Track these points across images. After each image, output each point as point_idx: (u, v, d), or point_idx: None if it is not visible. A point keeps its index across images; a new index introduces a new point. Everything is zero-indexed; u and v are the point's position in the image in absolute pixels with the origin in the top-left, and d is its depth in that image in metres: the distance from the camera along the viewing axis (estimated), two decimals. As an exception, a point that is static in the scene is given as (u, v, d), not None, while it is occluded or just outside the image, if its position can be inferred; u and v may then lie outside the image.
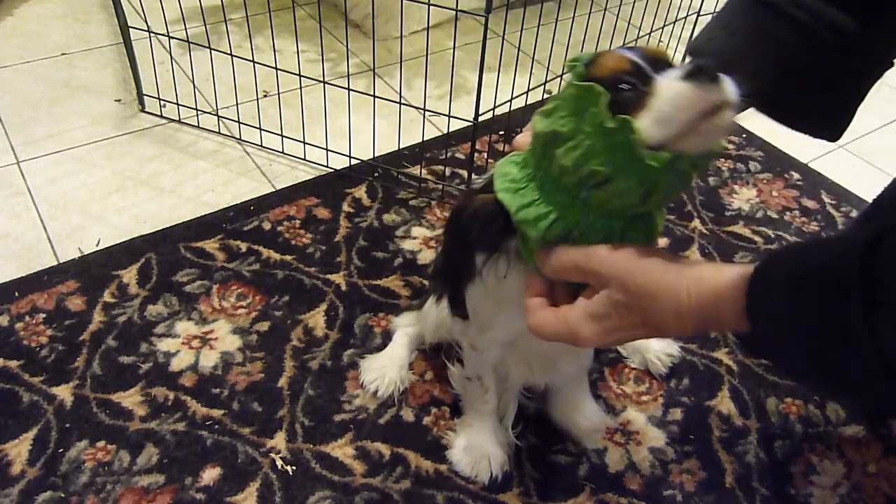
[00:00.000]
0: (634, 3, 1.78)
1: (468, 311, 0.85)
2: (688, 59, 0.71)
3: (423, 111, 1.44)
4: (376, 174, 1.48)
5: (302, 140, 1.48)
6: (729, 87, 0.57)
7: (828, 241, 0.58)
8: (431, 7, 1.24)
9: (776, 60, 0.66)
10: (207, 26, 1.47)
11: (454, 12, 1.28)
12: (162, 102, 1.59)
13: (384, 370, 1.09)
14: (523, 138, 0.69)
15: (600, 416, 1.06)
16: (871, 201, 1.13)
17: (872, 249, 0.48)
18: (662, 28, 1.78)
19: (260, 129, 1.51)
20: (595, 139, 0.59)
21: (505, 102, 1.43)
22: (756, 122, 1.77)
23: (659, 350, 1.14)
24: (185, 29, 1.48)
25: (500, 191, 0.66)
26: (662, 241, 1.40)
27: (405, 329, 1.14)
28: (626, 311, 0.61)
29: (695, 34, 0.72)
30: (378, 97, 1.39)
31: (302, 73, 1.42)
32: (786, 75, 0.66)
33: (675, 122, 0.58)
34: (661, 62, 0.62)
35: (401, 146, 1.48)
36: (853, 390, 0.65)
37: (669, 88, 0.58)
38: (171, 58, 1.72)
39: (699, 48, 0.69)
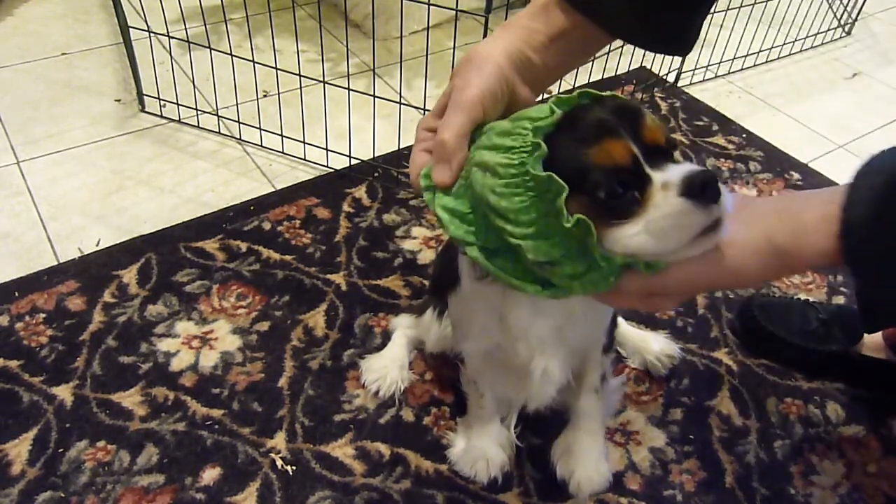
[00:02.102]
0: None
1: (449, 315, 0.85)
2: None
3: (423, 111, 1.44)
4: (376, 174, 1.48)
5: (302, 140, 1.48)
6: (727, 203, 0.53)
7: None
8: (431, 7, 1.24)
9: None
10: (207, 26, 1.47)
11: (454, 12, 1.28)
12: (162, 102, 1.59)
13: (385, 370, 1.09)
14: (422, 158, 0.63)
15: (602, 473, 0.94)
16: None
17: None
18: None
19: (260, 129, 1.51)
20: (547, 223, 0.54)
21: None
22: (756, 122, 1.77)
23: (659, 351, 1.14)
24: (185, 29, 1.48)
25: (454, 235, 0.60)
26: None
27: (405, 330, 1.14)
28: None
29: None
30: (378, 97, 1.39)
31: (302, 73, 1.42)
32: (659, 8, 0.64)
33: (669, 239, 0.54)
34: (659, 151, 0.56)
35: (401, 146, 1.48)
36: None
37: (668, 205, 0.53)
38: (171, 58, 1.72)
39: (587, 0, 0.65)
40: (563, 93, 0.61)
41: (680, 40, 0.69)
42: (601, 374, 0.92)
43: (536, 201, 0.54)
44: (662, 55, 0.69)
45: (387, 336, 1.16)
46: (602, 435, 0.95)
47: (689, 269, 0.57)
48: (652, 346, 1.14)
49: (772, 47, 1.99)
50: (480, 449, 0.99)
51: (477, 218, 0.59)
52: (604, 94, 0.59)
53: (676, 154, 0.58)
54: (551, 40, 0.66)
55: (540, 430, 1.05)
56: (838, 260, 0.55)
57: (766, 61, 2.01)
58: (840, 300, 1.32)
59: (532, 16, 0.66)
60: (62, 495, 0.94)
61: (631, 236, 0.54)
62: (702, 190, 0.52)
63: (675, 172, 0.54)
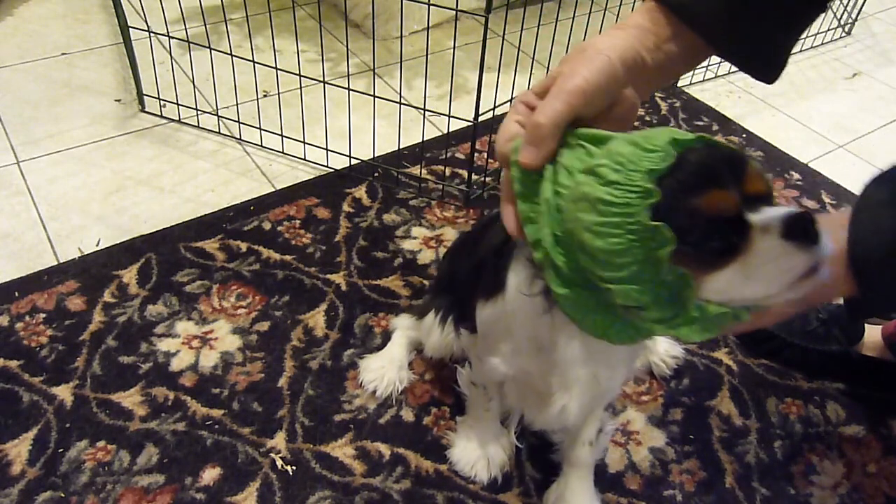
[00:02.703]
0: (634, 3, 1.78)
1: (477, 325, 0.82)
2: (674, 17, 0.64)
3: (423, 111, 1.44)
4: (376, 174, 1.48)
5: (302, 140, 1.48)
6: (826, 243, 0.52)
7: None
8: (431, 7, 1.24)
9: (747, 6, 0.64)
10: (207, 26, 1.47)
11: (454, 12, 1.28)
12: (162, 102, 1.59)
13: (383, 370, 1.09)
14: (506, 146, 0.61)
15: None
16: None
17: None
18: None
19: (260, 129, 1.51)
20: (643, 270, 0.52)
21: (505, 102, 1.43)
22: (756, 122, 1.77)
23: (664, 352, 1.14)
24: (185, 29, 1.48)
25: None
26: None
27: (405, 331, 1.14)
28: None
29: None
30: (378, 97, 1.39)
31: (302, 73, 1.42)
32: (743, 12, 0.64)
33: (769, 284, 0.52)
34: (759, 199, 0.54)
35: (401, 146, 1.48)
36: None
37: (770, 248, 0.51)
38: (171, 58, 1.72)
39: (686, 5, 0.64)
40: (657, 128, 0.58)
41: (771, 63, 0.69)
42: (598, 428, 0.93)
43: (636, 246, 0.51)
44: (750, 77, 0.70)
45: (387, 336, 1.16)
46: (592, 478, 0.97)
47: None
48: (656, 346, 1.15)
49: (772, 47, 1.98)
50: (481, 448, 0.99)
51: (562, 250, 0.57)
52: (714, 140, 0.57)
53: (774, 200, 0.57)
54: (661, 42, 0.65)
55: (540, 430, 1.05)
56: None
57: (766, 61, 2.01)
58: (840, 300, 1.32)
59: (643, 16, 0.65)
60: (62, 495, 0.94)
61: (729, 283, 0.53)
62: (804, 231, 0.51)
63: (774, 215, 0.52)
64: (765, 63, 0.69)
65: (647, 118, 1.74)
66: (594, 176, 0.53)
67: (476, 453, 0.99)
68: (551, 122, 0.57)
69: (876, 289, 0.61)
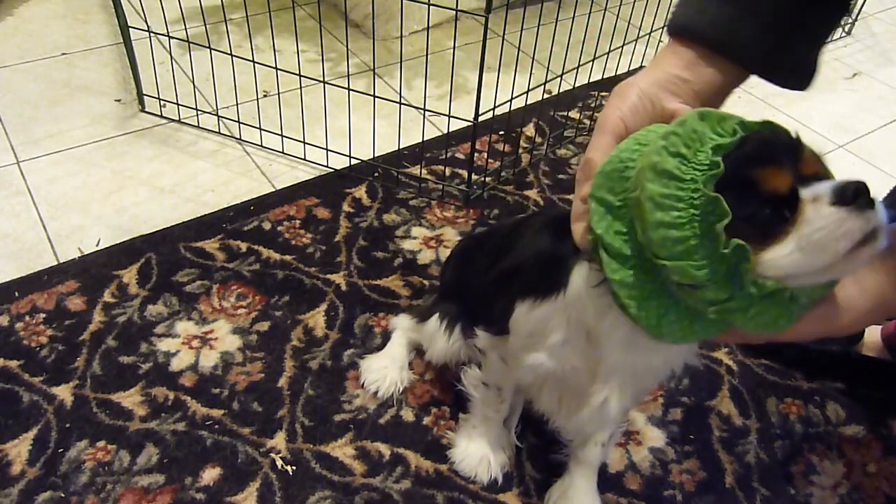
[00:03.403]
0: (634, 3, 1.78)
1: (510, 326, 0.82)
2: (673, 37, 0.67)
3: (423, 111, 1.44)
4: (376, 174, 1.48)
5: (302, 140, 1.48)
6: (882, 211, 0.52)
7: None
8: (431, 7, 1.24)
9: (763, 18, 0.65)
10: (207, 26, 1.47)
11: (454, 12, 1.28)
12: (162, 102, 1.59)
13: (385, 370, 1.09)
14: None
15: None
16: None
17: None
18: (662, 28, 1.77)
19: (260, 129, 1.51)
20: (701, 245, 0.52)
21: (505, 102, 1.43)
22: (756, 122, 1.77)
23: None
24: (185, 29, 1.48)
25: (615, 282, 0.58)
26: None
27: (405, 331, 1.14)
28: None
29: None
30: (378, 97, 1.39)
31: (302, 73, 1.42)
32: (773, 32, 0.66)
33: (825, 253, 0.51)
34: (815, 179, 0.55)
35: (401, 146, 1.48)
36: None
37: (821, 216, 0.51)
38: (171, 58, 1.72)
39: (693, 22, 0.66)
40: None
41: (805, 73, 0.70)
42: (612, 432, 0.93)
43: (695, 220, 0.52)
44: (784, 88, 0.72)
45: (387, 336, 1.16)
46: (596, 478, 0.97)
47: (811, 325, 0.58)
48: None
49: (772, 47, 1.98)
50: (482, 449, 0.99)
51: (621, 225, 0.58)
52: (777, 125, 0.58)
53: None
54: (695, 67, 0.68)
55: (540, 430, 1.05)
56: None
57: (766, 61, 2.01)
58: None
59: (666, 53, 0.69)
60: (62, 495, 0.94)
61: (784, 256, 0.53)
62: (854, 196, 0.51)
63: (825, 185, 0.53)
64: (800, 75, 0.70)
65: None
66: (666, 144, 0.55)
67: (479, 454, 0.99)
68: (601, 154, 0.62)
69: None
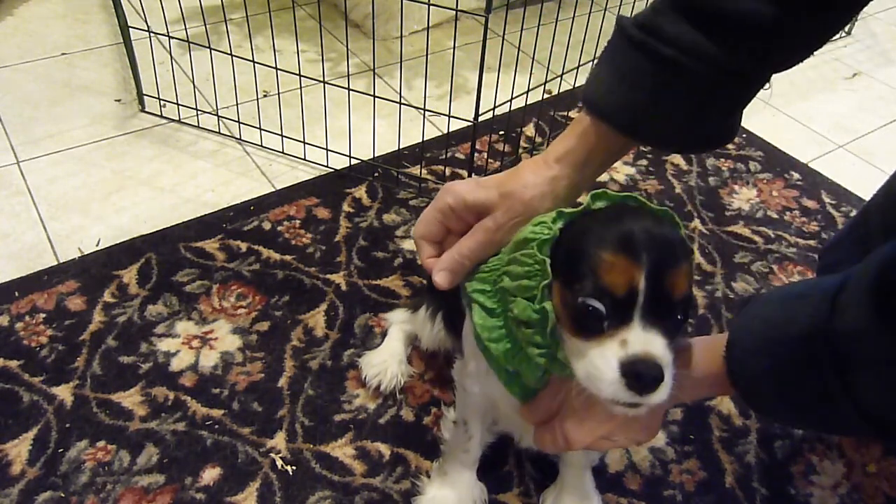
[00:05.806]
0: (634, 3, 1.78)
1: (462, 342, 0.82)
2: (585, 111, 0.70)
3: (423, 111, 1.44)
4: (376, 174, 1.48)
5: (302, 140, 1.48)
6: (659, 396, 0.56)
7: (794, 303, 0.59)
8: (431, 7, 1.24)
9: (670, 101, 0.66)
10: (207, 26, 1.47)
11: (454, 12, 1.28)
12: (162, 102, 1.59)
13: (385, 364, 1.09)
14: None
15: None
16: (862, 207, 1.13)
17: (833, 310, 0.52)
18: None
19: (260, 129, 1.51)
20: (541, 296, 0.61)
21: (505, 102, 1.43)
22: (756, 122, 1.77)
23: None
24: (185, 29, 1.48)
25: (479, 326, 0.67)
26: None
27: (400, 325, 1.14)
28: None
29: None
30: (378, 97, 1.39)
31: (302, 73, 1.42)
32: (683, 113, 0.67)
33: (593, 389, 0.58)
34: (668, 302, 0.57)
35: (401, 146, 1.48)
36: (840, 433, 0.83)
37: (606, 366, 0.56)
38: (171, 58, 1.72)
39: (600, 102, 0.69)
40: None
41: (727, 136, 0.72)
42: None
43: (536, 272, 0.61)
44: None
45: (386, 335, 1.16)
46: (589, 476, 0.96)
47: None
48: None
49: (772, 47, 1.98)
50: (452, 499, 0.93)
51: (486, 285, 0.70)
52: (663, 210, 0.62)
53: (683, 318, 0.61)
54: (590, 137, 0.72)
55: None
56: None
57: (766, 61, 2.01)
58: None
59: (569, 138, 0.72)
60: (62, 495, 0.94)
61: (578, 358, 0.59)
62: (636, 380, 0.55)
63: (639, 342, 0.55)
64: (722, 140, 0.72)
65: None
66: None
67: (448, 501, 0.93)
68: (471, 260, 0.72)
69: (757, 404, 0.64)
